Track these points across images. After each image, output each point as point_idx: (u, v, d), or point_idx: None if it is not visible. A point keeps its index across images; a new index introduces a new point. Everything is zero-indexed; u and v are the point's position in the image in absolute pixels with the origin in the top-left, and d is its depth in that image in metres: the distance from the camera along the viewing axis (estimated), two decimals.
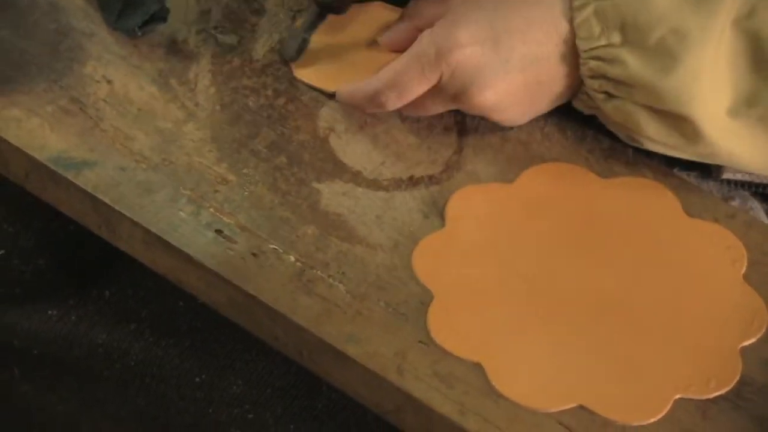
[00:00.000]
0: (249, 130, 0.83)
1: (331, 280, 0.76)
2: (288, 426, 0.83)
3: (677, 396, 0.72)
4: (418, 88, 0.80)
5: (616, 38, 0.77)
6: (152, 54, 0.86)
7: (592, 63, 0.78)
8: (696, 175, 0.84)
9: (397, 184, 0.81)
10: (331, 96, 0.85)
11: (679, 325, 0.75)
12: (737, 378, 0.73)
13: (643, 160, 0.83)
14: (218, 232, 0.77)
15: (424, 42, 0.80)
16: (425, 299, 0.75)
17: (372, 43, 0.87)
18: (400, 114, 0.84)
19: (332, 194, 0.80)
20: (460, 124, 0.84)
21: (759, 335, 0.75)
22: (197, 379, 0.85)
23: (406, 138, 0.84)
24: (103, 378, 0.88)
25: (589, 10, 0.78)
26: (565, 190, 0.82)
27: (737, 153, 0.80)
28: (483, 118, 0.83)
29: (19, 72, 0.84)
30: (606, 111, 0.80)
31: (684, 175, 0.83)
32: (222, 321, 0.78)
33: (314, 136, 0.83)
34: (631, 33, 0.77)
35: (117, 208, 0.78)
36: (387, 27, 0.87)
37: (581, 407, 0.72)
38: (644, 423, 0.71)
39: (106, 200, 0.78)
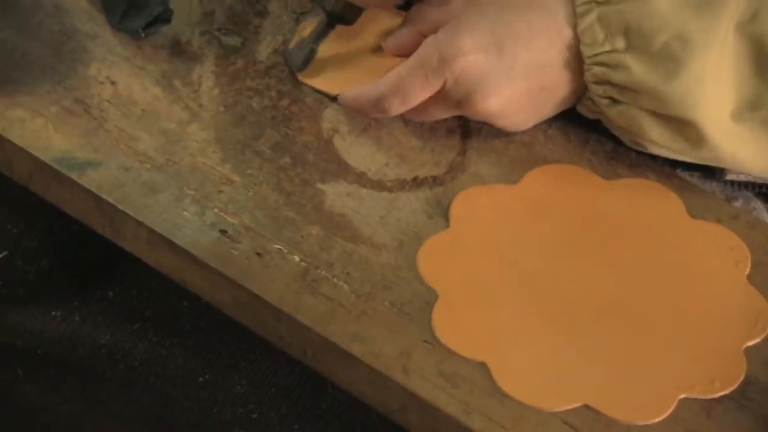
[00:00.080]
0: (253, 131, 0.83)
1: (335, 280, 0.76)
2: (292, 426, 0.83)
3: (682, 396, 0.72)
4: (422, 94, 0.80)
5: (620, 44, 0.77)
6: (156, 55, 0.86)
7: (597, 69, 0.78)
8: (699, 176, 0.84)
9: (401, 185, 0.81)
10: (335, 99, 0.85)
11: (683, 326, 0.76)
12: (741, 378, 0.73)
13: (646, 161, 0.83)
14: (222, 232, 0.77)
15: (428, 48, 0.80)
16: (430, 299, 0.75)
17: (377, 49, 0.87)
18: (404, 117, 0.84)
19: (336, 195, 0.80)
20: (463, 126, 0.85)
21: (763, 335, 0.75)
22: (201, 379, 0.85)
23: (409, 140, 0.84)
24: (107, 378, 0.88)
25: (592, 17, 0.78)
26: (569, 192, 0.82)
27: (741, 156, 0.80)
28: (486, 123, 0.83)
29: (22, 73, 0.83)
30: (610, 116, 0.80)
31: (687, 176, 0.84)
32: (226, 321, 0.78)
33: (318, 137, 0.83)
34: (635, 38, 0.77)
35: (121, 207, 0.77)
36: (391, 32, 0.87)
37: (586, 407, 0.72)
38: (649, 422, 0.71)
39: (111, 200, 0.78)
